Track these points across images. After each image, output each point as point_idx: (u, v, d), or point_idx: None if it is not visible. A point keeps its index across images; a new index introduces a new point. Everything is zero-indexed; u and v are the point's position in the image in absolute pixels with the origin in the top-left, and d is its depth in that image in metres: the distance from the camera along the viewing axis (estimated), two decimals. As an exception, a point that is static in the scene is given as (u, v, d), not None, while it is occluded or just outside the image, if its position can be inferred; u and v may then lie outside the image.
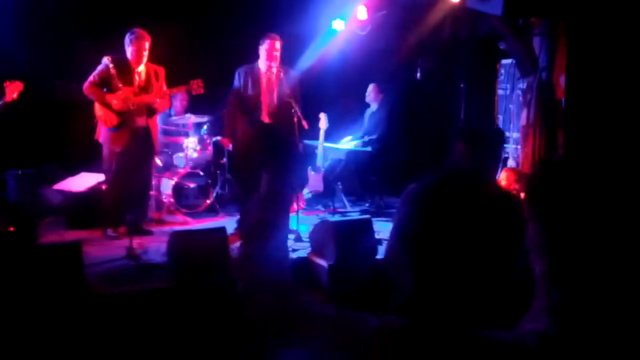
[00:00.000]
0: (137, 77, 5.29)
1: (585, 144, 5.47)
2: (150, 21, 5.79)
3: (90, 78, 5.19)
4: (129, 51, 5.23)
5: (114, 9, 6.63)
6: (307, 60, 6.73)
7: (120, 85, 5.19)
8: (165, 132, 6.91)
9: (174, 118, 6.91)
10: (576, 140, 5.52)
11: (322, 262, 4.67)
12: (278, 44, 5.43)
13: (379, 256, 4.99)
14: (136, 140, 5.26)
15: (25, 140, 6.40)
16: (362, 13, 7.11)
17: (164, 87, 5.42)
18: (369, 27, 7.36)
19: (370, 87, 7.31)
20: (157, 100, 5.33)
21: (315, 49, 7.14)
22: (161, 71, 5.45)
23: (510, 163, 6.19)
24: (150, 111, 5.38)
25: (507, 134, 6.44)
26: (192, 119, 6.72)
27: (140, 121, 5.29)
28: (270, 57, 5.40)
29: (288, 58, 5.89)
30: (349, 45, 7.56)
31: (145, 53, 5.26)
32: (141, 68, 5.30)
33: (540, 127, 5.60)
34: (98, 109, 5.23)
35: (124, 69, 5.23)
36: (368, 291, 4.61)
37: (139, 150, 5.29)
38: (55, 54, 6.61)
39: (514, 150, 6.21)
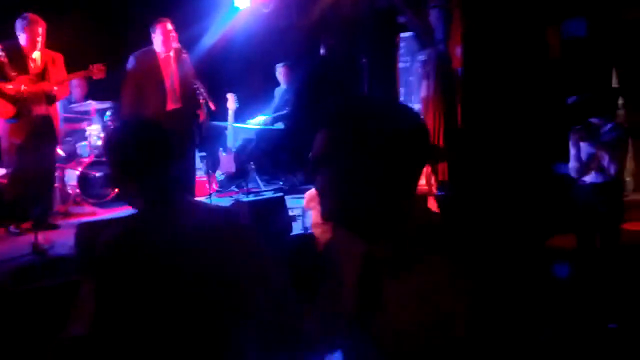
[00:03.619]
0: (32, 64, 5.05)
1: (481, 111, 5.76)
2: (47, 6, 5.54)
3: None
4: (22, 37, 4.98)
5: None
6: (211, 39, 6.65)
7: (14, 73, 4.93)
8: (67, 120, 6.65)
9: (74, 105, 6.66)
10: (472, 109, 5.80)
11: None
12: (170, 26, 5.32)
13: (293, 232, 5.09)
14: (36, 130, 5.02)
15: None
16: (264, -10, 7.09)
17: (64, 74, 5.20)
18: (271, 4, 7.35)
19: (279, 69, 7.34)
20: (55, 87, 5.11)
21: (218, 27, 7.06)
22: (59, 58, 5.22)
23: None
24: (49, 99, 5.14)
25: (409, 105, 6.67)
26: (93, 105, 6.50)
27: (39, 109, 5.05)
28: (167, 41, 5.29)
29: (190, 37, 5.80)
30: (253, 23, 7.52)
31: (39, 39, 5.02)
32: (36, 55, 5.06)
33: (439, 97, 5.83)
34: None
35: (17, 56, 4.97)
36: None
37: (40, 141, 5.06)
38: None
39: (418, 121, 6.43)
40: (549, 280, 4.19)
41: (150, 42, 5.50)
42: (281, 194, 5.69)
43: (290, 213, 5.18)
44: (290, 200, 5.30)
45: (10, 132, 5.01)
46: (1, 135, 5.06)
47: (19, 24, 4.99)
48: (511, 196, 5.37)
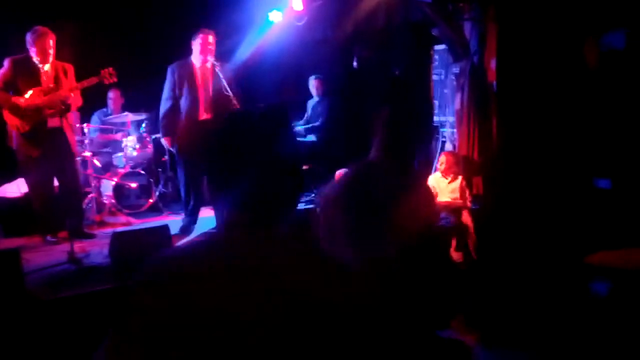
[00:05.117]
0: (44, 77, 5.07)
1: (516, 125, 5.67)
2: (76, 18, 5.65)
3: None
4: (33, 51, 5.00)
5: (40, 4, 6.40)
6: (245, 52, 6.71)
7: (27, 87, 4.97)
8: (103, 131, 6.79)
9: (111, 117, 6.78)
10: (507, 122, 5.71)
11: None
12: (211, 38, 5.39)
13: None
14: (52, 142, 5.06)
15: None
16: (297, 4, 7.13)
17: (75, 84, 5.21)
18: (305, 17, 7.39)
19: (312, 81, 7.38)
20: (69, 96, 5.09)
21: (252, 41, 7.13)
22: (70, 68, 5.25)
23: (448, 146, 6.36)
24: (63, 110, 5.12)
25: (443, 118, 6.61)
26: (129, 116, 6.61)
27: (54, 122, 5.07)
28: (204, 52, 5.36)
29: (225, 51, 5.86)
30: (287, 36, 7.57)
31: (51, 51, 5.05)
32: (48, 67, 5.08)
33: (473, 110, 5.76)
34: (7, 113, 4.99)
35: (29, 69, 5.01)
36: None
37: (57, 153, 5.10)
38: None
39: (451, 134, 6.38)
40: (587, 298, 4.08)
41: (184, 55, 5.57)
42: (313, 205, 5.68)
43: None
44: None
45: (26, 146, 5.04)
46: (17, 148, 5.09)
47: (29, 37, 5.02)
48: (548, 211, 5.26)
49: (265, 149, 1.21)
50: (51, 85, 5.07)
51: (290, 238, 1.19)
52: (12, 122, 5.00)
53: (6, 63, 4.99)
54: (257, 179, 1.19)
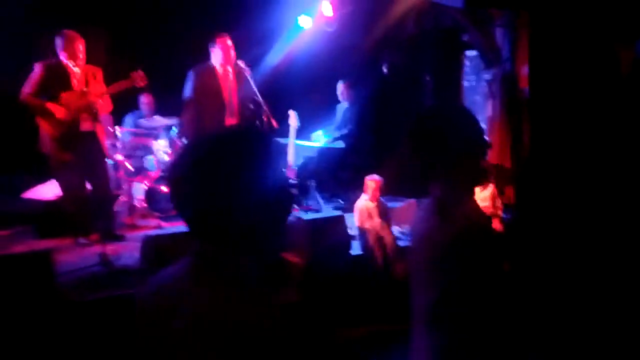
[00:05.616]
0: (74, 81, 5.11)
1: (549, 132, 5.58)
2: (116, 22, 5.71)
3: (27, 88, 4.98)
4: (63, 55, 5.07)
5: (70, 8, 6.50)
6: (274, 57, 6.74)
7: (59, 91, 5.02)
8: (135, 135, 6.86)
9: (142, 120, 6.86)
10: (540, 129, 5.63)
11: (296, 260, 4.70)
12: (229, 42, 5.37)
13: (353, 252, 5.06)
14: (83, 146, 5.10)
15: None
16: (327, 9, 7.14)
17: (104, 88, 5.24)
18: (335, 23, 7.40)
19: (340, 86, 7.36)
20: (96, 101, 5.13)
21: (281, 46, 7.15)
22: (99, 72, 5.28)
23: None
24: (94, 114, 5.19)
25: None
26: (160, 120, 6.67)
27: (86, 125, 5.13)
28: (226, 56, 5.34)
29: (255, 55, 5.87)
30: (316, 41, 7.58)
31: (81, 55, 5.09)
32: (77, 71, 5.13)
33: (505, 117, 5.70)
34: (40, 118, 5.04)
35: (60, 74, 5.05)
36: (342, 287, 4.68)
37: (88, 156, 5.15)
38: (16, 58, 6.48)
39: (482, 141, 6.30)
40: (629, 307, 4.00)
41: (207, 58, 5.55)
42: (340, 212, 5.66)
43: (350, 232, 5.15)
44: (349, 219, 5.27)
45: (58, 150, 5.07)
46: (50, 153, 5.12)
47: (58, 42, 5.07)
48: (582, 220, 5.16)
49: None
50: (83, 89, 5.12)
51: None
52: (45, 126, 5.05)
53: (38, 68, 5.03)
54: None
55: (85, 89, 5.12)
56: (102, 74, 5.32)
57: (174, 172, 1.26)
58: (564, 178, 5.46)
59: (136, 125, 6.88)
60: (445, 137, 1.72)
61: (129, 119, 7.07)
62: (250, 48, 5.65)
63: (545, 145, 5.59)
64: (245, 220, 1.20)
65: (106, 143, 5.51)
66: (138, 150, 6.74)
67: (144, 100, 7.07)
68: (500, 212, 5.44)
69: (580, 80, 5.57)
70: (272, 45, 7.02)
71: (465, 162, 1.73)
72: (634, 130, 5.36)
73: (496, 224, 5.31)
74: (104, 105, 5.29)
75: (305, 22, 7.41)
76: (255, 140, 1.24)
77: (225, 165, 1.19)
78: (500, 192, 5.58)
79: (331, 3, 7.13)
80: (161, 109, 6.96)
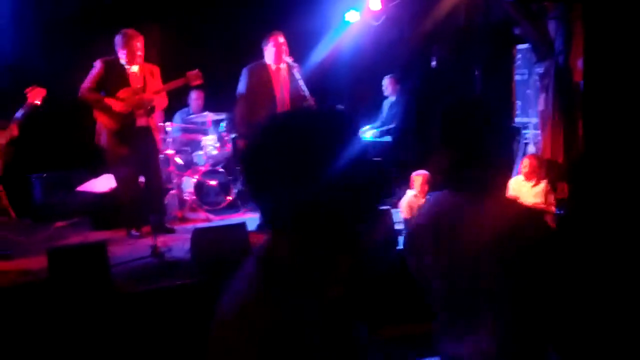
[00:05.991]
0: (132, 78, 5.24)
1: (604, 127, 5.41)
2: (160, 20, 5.82)
3: (86, 84, 5.14)
4: (122, 53, 5.19)
5: (127, 7, 6.66)
6: (321, 52, 6.74)
7: (117, 88, 5.15)
8: (185, 131, 6.99)
9: (192, 116, 6.98)
10: (595, 124, 5.46)
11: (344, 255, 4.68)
12: (281, 39, 5.40)
13: (400, 247, 5.02)
14: (139, 141, 5.24)
15: (51, 144, 6.50)
16: (375, 3, 7.10)
17: (161, 85, 5.37)
18: (382, 17, 7.35)
19: (386, 80, 7.31)
20: (153, 98, 5.26)
21: (329, 42, 7.15)
22: (156, 70, 5.41)
23: (531, 149, 6.15)
24: (149, 110, 5.32)
25: (526, 119, 6.40)
26: (209, 116, 6.78)
27: (141, 121, 5.27)
28: (278, 54, 5.38)
29: (302, 52, 5.89)
30: (363, 36, 7.56)
31: (140, 53, 5.21)
32: (135, 68, 5.25)
33: (558, 112, 5.55)
34: (97, 113, 5.20)
35: (118, 71, 5.19)
36: (389, 282, 4.65)
37: (143, 150, 5.28)
38: (74, 57, 6.68)
39: (534, 136, 6.16)
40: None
41: (260, 56, 5.62)
42: (387, 207, 5.63)
43: (396, 227, 5.12)
44: (396, 214, 5.24)
45: (114, 144, 5.23)
46: (106, 147, 5.28)
47: (118, 40, 5.20)
48: (638, 217, 4.99)
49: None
50: (139, 86, 5.24)
51: None
52: (103, 121, 5.21)
53: (98, 64, 5.20)
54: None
55: (141, 86, 5.25)
56: (159, 71, 5.44)
57: (252, 153, 1.15)
58: (619, 174, 5.28)
59: (185, 122, 7.01)
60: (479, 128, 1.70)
61: (178, 116, 7.21)
62: (298, 45, 5.66)
63: (600, 141, 5.42)
64: (332, 204, 1.10)
65: (160, 138, 5.65)
66: (187, 146, 6.87)
67: (194, 96, 7.20)
68: (553, 208, 5.31)
69: (637, 74, 5.37)
70: (320, 41, 7.02)
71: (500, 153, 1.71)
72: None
73: (549, 220, 5.18)
74: (160, 102, 5.42)
75: (353, 17, 7.39)
76: (340, 117, 1.15)
77: (314, 141, 1.09)
78: (553, 187, 5.44)
79: (379, -3, 7.08)
80: (209, 105, 7.06)
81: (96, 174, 6.14)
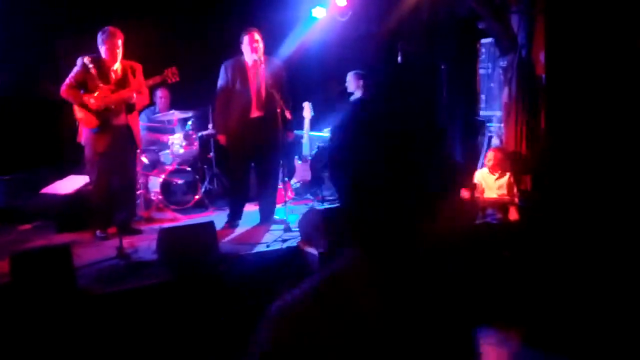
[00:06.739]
0: (113, 75, 5.23)
1: (566, 119, 5.51)
2: (128, 17, 5.76)
3: (67, 80, 5.15)
4: (103, 50, 5.19)
5: (93, 6, 6.56)
6: (288, 48, 6.73)
7: (97, 84, 5.14)
8: (151, 129, 6.91)
9: (158, 115, 6.90)
10: (557, 116, 5.56)
11: (313, 251, 4.70)
12: (257, 36, 5.44)
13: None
14: (118, 139, 5.22)
15: (12, 144, 6.37)
16: (341, -1, 7.11)
17: (142, 83, 5.35)
18: (348, 13, 7.36)
19: (349, 76, 7.31)
20: (134, 94, 5.26)
21: (296, 37, 7.14)
22: (138, 67, 5.39)
23: (495, 141, 6.23)
24: (129, 108, 5.31)
25: (490, 112, 6.48)
26: (176, 114, 6.71)
27: (120, 119, 5.25)
28: (254, 50, 5.40)
29: (269, 47, 5.88)
30: (330, 32, 7.56)
31: (119, 51, 5.21)
32: (117, 66, 5.24)
33: (521, 104, 5.63)
34: (78, 110, 5.19)
35: (100, 68, 5.18)
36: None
37: (121, 149, 5.26)
38: (39, 54, 6.55)
39: (498, 129, 6.24)
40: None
41: (229, 53, 5.63)
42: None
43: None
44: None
45: (93, 141, 5.21)
46: (85, 144, 5.27)
47: (100, 37, 5.19)
48: (599, 208, 5.10)
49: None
50: (117, 84, 5.23)
51: None
52: (82, 118, 5.19)
53: (79, 62, 5.17)
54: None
55: (120, 84, 5.24)
56: (141, 69, 5.42)
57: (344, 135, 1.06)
58: (581, 166, 5.39)
59: (151, 120, 6.93)
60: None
61: (144, 115, 7.12)
62: (266, 40, 5.64)
63: (562, 133, 5.52)
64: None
65: (140, 137, 5.60)
66: (154, 145, 6.79)
67: (160, 95, 7.11)
68: (516, 200, 5.39)
69: (597, 66, 5.48)
70: (286, 37, 7.00)
71: None
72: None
73: (513, 212, 5.27)
74: (141, 100, 5.40)
75: (320, 13, 7.39)
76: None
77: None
78: (517, 179, 5.52)
79: (345, -8, 7.09)
80: (176, 103, 6.99)
81: (60, 176, 6.03)
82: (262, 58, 5.43)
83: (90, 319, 3.77)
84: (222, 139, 5.70)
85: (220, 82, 5.54)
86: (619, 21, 5.43)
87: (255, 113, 5.51)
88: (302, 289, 1.02)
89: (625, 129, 5.33)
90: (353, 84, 7.28)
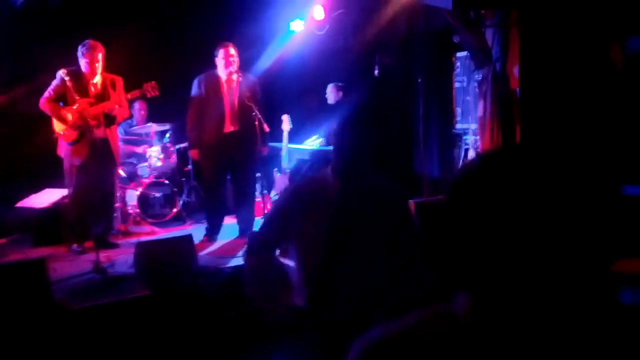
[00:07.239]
0: (92, 88, 5.23)
1: (540, 132, 5.59)
2: (106, 30, 5.75)
3: (46, 94, 5.14)
4: (83, 63, 5.19)
5: (73, 18, 6.53)
6: (267, 61, 6.76)
7: (77, 97, 5.13)
8: (128, 142, 6.87)
9: (135, 128, 6.87)
10: (531, 129, 5.64)
11: (289, 262, 4.69)
12: (232, 50, 5.44)
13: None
14: (95, 152, 5.18)
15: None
16: (318, 13, 7.18)
17: (123, 96, 5.36)
18: (326, 26, 7.43)
19: (329, 88, 7.36)
20: (115, 107, 5.26)
21: (274, 50, 7.18)
22: (118, 80, 5.39)
23: (471, 154, 6.31)
24: (109, 121, 5.31)
25: (466, 125, 6.57)
26: (153, 127, 6.69)
27: (99, 132, 5.22)
28: (228, 64, 5.40)
29: (248, 60, 5.91)
30: (308, 45, 7.61)
31: (99, 64, 5.22)
32: (97, 79, 5.25)
33: (496, 117, 5.71)
34: (56, 123, 5.18)
35: (79, 81, 5.18)
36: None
37: (99, 162, 5.22)
38: (17, 66, 6.49)
39: (474, 142, 6.33)
40: (613, 306, 3.99)
41: (206, 65, 5.63)
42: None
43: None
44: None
45: (71, 154, 5.20)
46: (63, 157, 5.26)
47: (80, 50, 5.20)
48: (574, 218, 5.17)
49: None
50: (96, 97, 5.22)
51: None
52: (60, 131, 5.17)
53: (61, 74, 5.15)
54: None
55: (100, 97, 5.23)
56: (122, 82, 5.42)
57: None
58: (557, 178, 5.47)
59: (128, 133, 6.90)
60: None
61: (121, 127, 7.08)
62: (243, 54, 5.66)
63: (537, 145, 5.60)
64: None
65: (119, 150, 5.58)
66: (131, 157, 6.76)
67: (138, 107, 7.09)
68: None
69: (572, 79, 5.58)
70: (264, 50, 7.04)
71: None
72: (626, 128, 5.38)
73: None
74: (120, 113, 5.39)
75: (298, 26, 7.44)
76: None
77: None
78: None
79: (323, 6, 7.16)
80: (153, 116, 6.97)
81: (37, 189, 5.96)
82: (238, 72, 5.43)
83: (66, 333, 3.73)
84: (194, 154, 5.69)
85: (192, 94, 5.51)
86: (591, 34, 5.55)
87: (229, 128, 5.50)
88: (398, 326, 0.96)
89: (600, 141, 5.44)
90: (332, 96, 7.34)
